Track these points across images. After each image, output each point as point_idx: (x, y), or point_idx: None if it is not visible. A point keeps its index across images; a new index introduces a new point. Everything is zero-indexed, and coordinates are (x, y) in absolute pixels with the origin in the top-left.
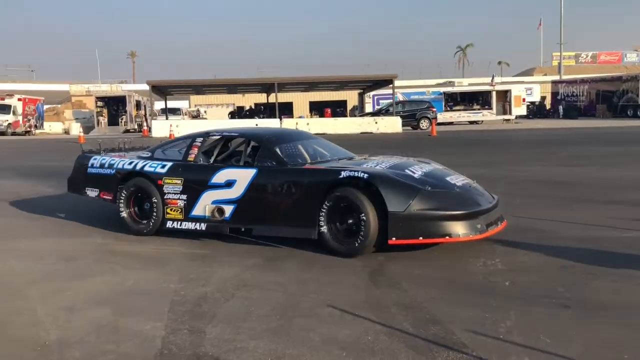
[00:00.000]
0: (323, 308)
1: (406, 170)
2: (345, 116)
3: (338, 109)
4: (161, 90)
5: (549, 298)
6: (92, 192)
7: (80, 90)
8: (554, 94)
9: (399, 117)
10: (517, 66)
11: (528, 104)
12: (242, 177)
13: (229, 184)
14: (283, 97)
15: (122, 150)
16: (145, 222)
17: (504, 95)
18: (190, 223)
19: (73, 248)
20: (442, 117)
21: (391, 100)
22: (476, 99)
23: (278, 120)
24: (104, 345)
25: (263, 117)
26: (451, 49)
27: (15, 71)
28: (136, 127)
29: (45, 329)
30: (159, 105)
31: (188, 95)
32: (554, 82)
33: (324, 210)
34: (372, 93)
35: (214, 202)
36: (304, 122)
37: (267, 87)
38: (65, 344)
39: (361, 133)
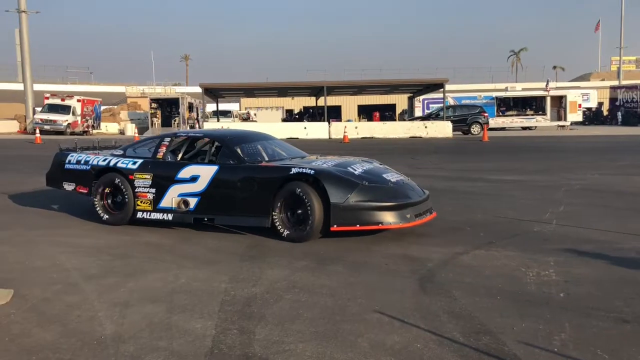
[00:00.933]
0: (371, 313)
1: (348, 168)
2: (394, 120)
3: (387, 113)
4: (213, 92)
5: (606, 312)
6: (68, 186)
7: (135, 92)
8: (612, 100)
9: (449, 121)
10: (573, 71)
11: (584, 110)
12: (205, 172)
13: (194, 179)
14: (332, 100)
15: (96, 149)
16: (116, 212)
17: (559, 101)
18: (158, 214)
19: (126, 245)
20: (494, 122)
21: (441, 105)
22: (530, 105)
23: (326, 123)
24: (156, 341)
25: (311, 120)
26: (504, 53)
27: (75, 73)
28: (188, 128)
29: (101, 323)
30: (210, 107)
31: (239, 97)
32: (612, 88)
33: (278, 202)
34: (422, 97)
35: (180, 195)
36: (352, 126)
37: (316, 91)
38: (120, 339)
39: (410, 137)
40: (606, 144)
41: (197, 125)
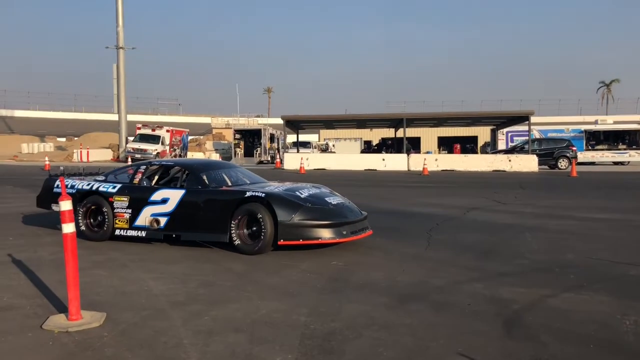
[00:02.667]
0: (454, 356)
1: (296, 192)
2: (476, 152)
3: (468, 145)
4: (293, 124)
5: None
6: (56, 207)
7: (220, 123)
8: None
9: (535, 155)
10: None
11: None
12: (174, 195)
13: (164, 201)
14: (411, 131)
15: (81, 175)
16: (97, 230)
17: None
18: (133, 231)
19: (210, 273)
20: (583, 156)
21: (526, 138)
22: (622, 138)
23: (405, 155)
24: None
25: (390, 152)
26: (592, 85)
27: (164, 104)
28: (269, 158)
29: (186, 350)
30: (291, 138)
31: (318, 129)
32: None
33: (235, 220)
34: (505, 130)
35: (152, 215)
36: (432, 158)
37: (395, 122)
38: None
39: (493, 171)
40: None
41: (277, 155)
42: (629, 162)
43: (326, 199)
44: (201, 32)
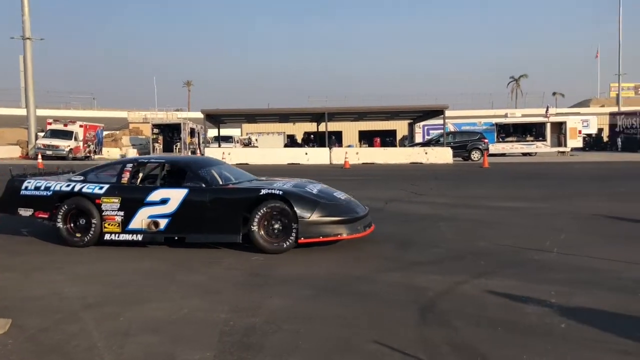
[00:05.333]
0: (370, 344)
1: (306, 188)
2: (395, 146)
3: (387, 139)
4: (214, 118)
5: (606, 342)
6: (25, 212)
7: (137, 118)
8: (612, 126)
9: (449, 147)
10: (573, 97)
11: (584, 136)
12: (175, 195)
13: (164, 201)
14: (333, 126)
15: (43, 175)
16: (81, 235)
17: (559, 127)
18: (127, 235)
19: (130, 273)
20: (494, 148)
21: (442, 131)
22: (530, 131)
23: (327, 149)
24: None
25: (313, 146)
26: (504, 80)
27: (78, 99)
28: (190, 154)
29: (100, 353)
30: (212, 132)
31: (240, 123)
32: (611, 114)
33: (254, 219)
34: (422, 123)
35: (150, 217)
36: (353, 151)
37: (317, 117)
38: None
39: (410, 163)
40: (607, 171)
41: (198, 151)
42: (536, 153)
43: (334, 194)
44: (116, 23)
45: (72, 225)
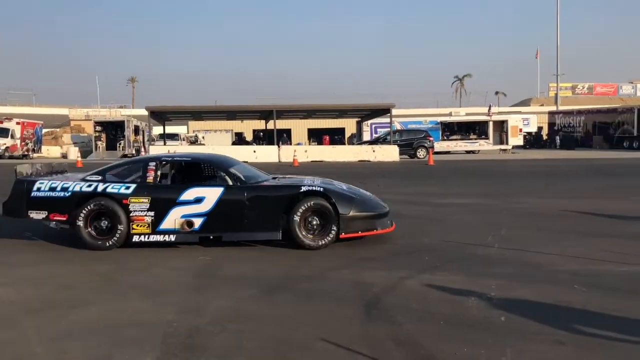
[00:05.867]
0: (317, 342)
1: (334, 184)
2: (344, 144)
3: (336, 137)
4: (160, 115)
5: (543, 334)
6: (37, 215)
7: (79, 115)
8: (551, 125)
9: (396, 145)
10: (514, 96)
11: (525, 134)
12: (211, 194)
13: (199, 200)
14: (281, 123)
15: (61, 173)
16: (105, 238)
17: (501, 125)
18: (158, 236)
19: (70, 276)
20: (439, 146)
21: (389, 129)
22: (473, 129)
23: (276, 146)
24: None
25: (262, 144)
26: (449, 79)
27: (16, 95)
28: (134, 152)
29: None
30: (158, 130)
31: (187, 120)
32: (550, 113)
33: (297, 216)
34: (370, 121)
35: (183, 216)
36: (302, 149)
37: (266, 114)
38: None
39: (359, 161)
40: (545, 167)
41: (142, 149)
42: (479, 150)
43: (361, 191)
44: (57, 17)
45: (94, 227)
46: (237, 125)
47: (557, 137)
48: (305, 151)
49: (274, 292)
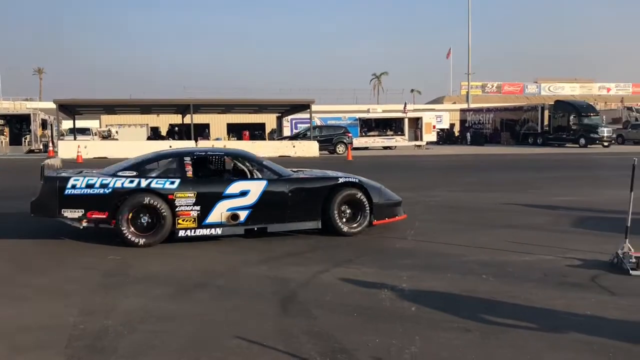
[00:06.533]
0: (231, 339)
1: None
2: (264, 139)
3: (256, 132)
4: (69, 109)
5: (451, 322)
6: (72, 213)
7: None
8: (462, 122)
9: (316, 141)
10: (429, 94)
11: (438, 130)
12: (255, 187)
13: (244, 194)
14: (199, 118)
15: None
16: (146, 234)
17: (416, 122)
18: (204, 229)
19: None
20: (358, 142)
21: (309, 125)
22: (390, 125)
23: (193, 142)
24: None
25: (178, 139)
26: (367, 76)
27: None
28: (42, 147)
29: None
30: (68, 124)
31: (99, 114)
32: (462, 111)
33: (336, 204)
34: (290, 117)
35: (229, 210)
36: (220, 145)
37: (182, 108)
38: None
39: (279, 156)
40: (457, 162)
41: (51, 144)
42: (395, 146)
43: (373, 181)
44: None
45: (136, 223)
46: (153, 120)
47: (468, 134)
48: (224, 146)
49: (187, 290)
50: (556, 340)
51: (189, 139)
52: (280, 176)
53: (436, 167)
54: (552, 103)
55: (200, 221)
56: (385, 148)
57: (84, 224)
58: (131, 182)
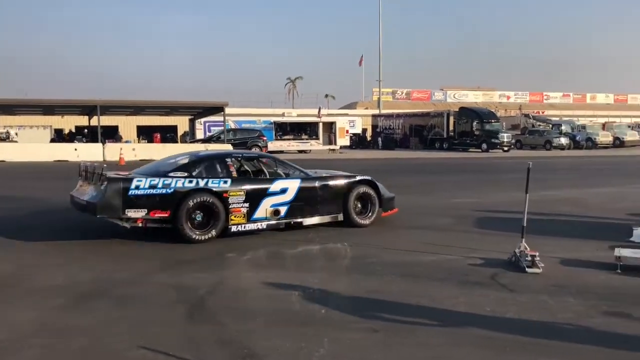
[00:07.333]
0: (135, 350)
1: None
2: (176, 142)
3: (168, 135)
4: None
5: (359, 323)
6: (136, 213)
7: None
8: (374, 127)
9: (230, 144)
10: (342, 99)
11: (351, 135)
12: (292, 185)
13: (284, 191)
14: (108, 120)
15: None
16: (203, 231)
17: (330, 127)
18: (252, 224)
19: None
20: (273, 145)
21: (223, 128)
22: (304, 129)
23: (100, 144)
24: None
25: (85, 141)
26: (282, 80)
27: None
28: None
29: None
30: None
31: None
32: (373, 116)
33: (351, 200)
34: (203, 120)
35: (272, 206)
36: (129, 148)
37: (89, 109)
38: None
39: None
40: (368, 166)
41: None
42: (310, 150)
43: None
44: None
45: (194, 220)
46: (57, 121)
47: (380, 139)
48: (134, 149)
49: (86, 300)
50: (459, 337)
51: (96, 140)
52: (307, 175)
53: (348, 171)
54: (457, 110)
55: (249, 217)
56: (300, 152)
57: (139, 223)
58: (190, 182)
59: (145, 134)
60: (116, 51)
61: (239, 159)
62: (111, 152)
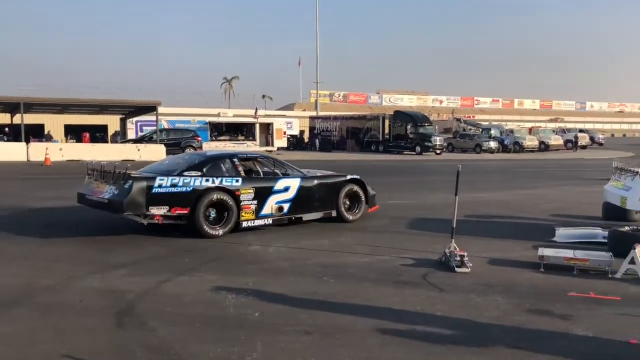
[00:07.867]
0: (58, 358)
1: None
2: (106, 142)
3: (98, 134)
4: None
5: (292, 326)
6: (158, 210)
7: None
8: (312, 129)
9: (163, 145)
10: (280, 101)
11: (289, 136)
12: (293, 183)
13: (287, 189)
14: (33, 118)
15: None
16: (217, 226)
17: (267, 128)
18: (260, 220)
19: None
20: (208, 146)
21: (155, 128)
22: (241, 130)
23: (24, 144)
24: None
25: (7, 140)
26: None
27: None
28: None
29: None
30: None
31: None
32: (311, 118)
33: (342, 197)
34: (135, 119)
35: (277, 203)
36: (56, 147)
37: (12, 107)
38: None
39: (122, 160)
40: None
41: None
42: None
43: None
44: None
45: (210, 217)
46: None
47: (317, 140)
48: (60, 149)
49: (6, 308)
50: (391, 337)
51: (18, 140)
52: (304, 174)
53: None
54: (392, 113)
55: (257, 213)
56: None
57: (157, 220)
58: (207, 180)
59: (74, 133)
60: (41, 48)
61: (243, 159)
62: (36, 151)
